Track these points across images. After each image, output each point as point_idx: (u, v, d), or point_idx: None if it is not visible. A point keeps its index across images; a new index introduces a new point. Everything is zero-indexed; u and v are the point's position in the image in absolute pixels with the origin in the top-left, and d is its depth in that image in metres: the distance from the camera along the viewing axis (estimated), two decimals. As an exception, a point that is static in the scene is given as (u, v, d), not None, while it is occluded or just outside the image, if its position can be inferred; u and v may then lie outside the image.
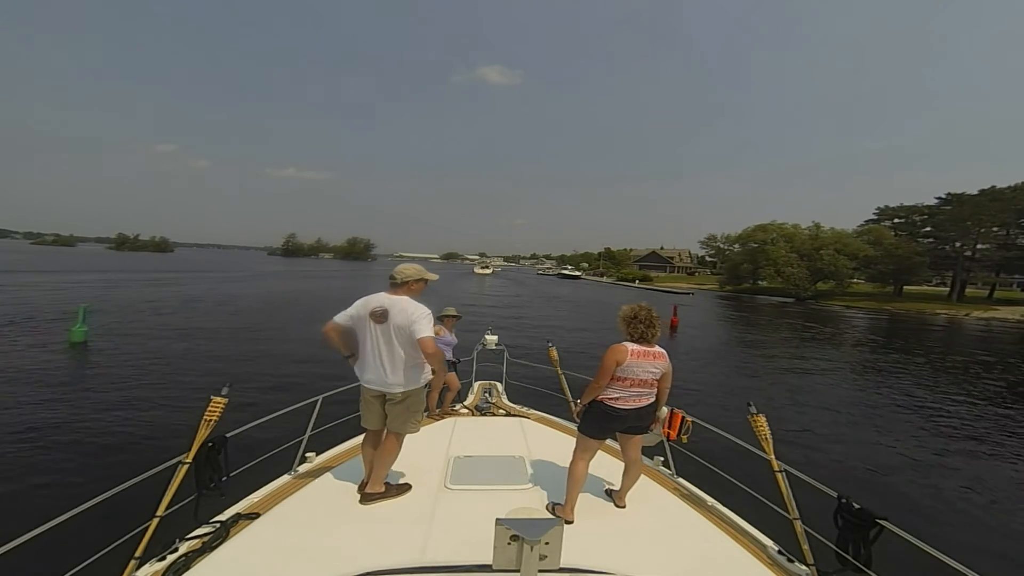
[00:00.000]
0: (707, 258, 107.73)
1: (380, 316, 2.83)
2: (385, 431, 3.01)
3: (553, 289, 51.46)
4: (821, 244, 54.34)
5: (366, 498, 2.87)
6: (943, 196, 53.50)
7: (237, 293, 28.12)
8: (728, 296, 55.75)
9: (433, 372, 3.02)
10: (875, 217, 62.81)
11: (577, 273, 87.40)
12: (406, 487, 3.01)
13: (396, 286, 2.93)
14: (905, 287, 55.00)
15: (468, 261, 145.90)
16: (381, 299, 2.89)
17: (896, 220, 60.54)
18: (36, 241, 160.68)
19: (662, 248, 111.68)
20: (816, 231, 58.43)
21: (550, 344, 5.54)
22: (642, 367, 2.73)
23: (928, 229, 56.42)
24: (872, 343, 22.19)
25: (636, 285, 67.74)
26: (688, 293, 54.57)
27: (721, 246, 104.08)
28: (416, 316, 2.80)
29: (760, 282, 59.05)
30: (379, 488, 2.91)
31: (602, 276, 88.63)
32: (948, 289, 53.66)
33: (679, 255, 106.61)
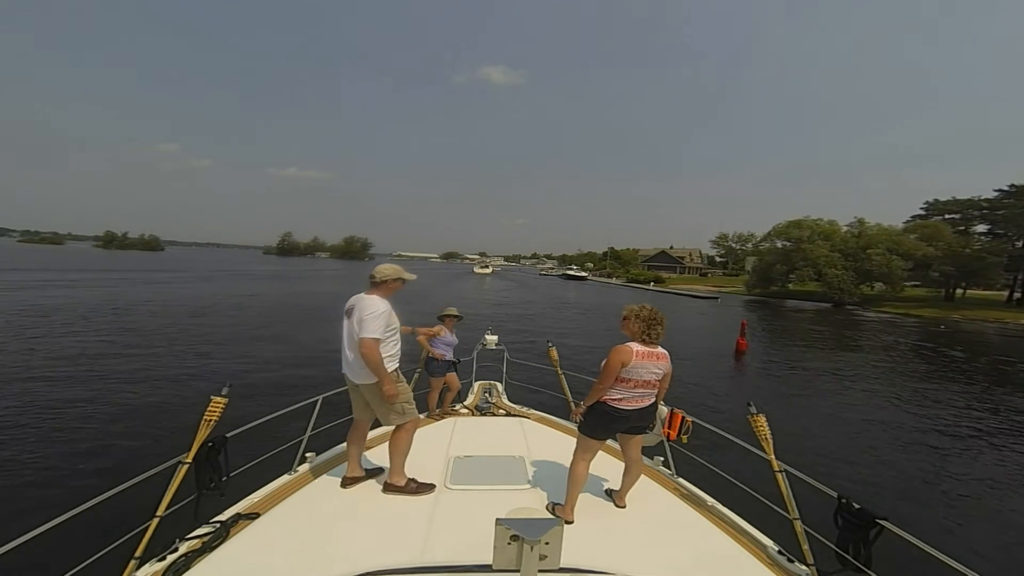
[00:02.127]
0: (717, 258, 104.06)
1: (348, 312, 3.02)
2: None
3: (563, 293, 45.97)
4: (869, 242, 47.27)
5: (387, 488, 2.99)
6: (1005, 188, 46.19)
7: (141, 299, 21.67)
8: (758, 300, 49.25)
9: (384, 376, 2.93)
10: (923, 212, 54.72)
11: (583, 274, 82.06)
12: (430, 487, 3.04)
13: (374, 285, 3.07)
14: (956, 291, 47.69)
15: (468, 260, 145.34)
16: (353, 298, 3.05)
17: (948, 216, 52.31)
18: (24, 240, 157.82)
19: (671, 248, 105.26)
20: (860, 227, 51.44)
21: (550, 344, 5.54)
22: (646, 368, 2.74)
23: (986, 226, 48.88)
24: (942, 359, 17.88)
25: (651, 288, 60.12)
26: (713, 297, 48.52)
27: (733, 245, 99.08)
28: (366, 315, 2.88)
29: (787, 284, 52.28)
30: (399, 481, 3.01)
31: (610, 277, 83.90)
32: (1006, 294, 47.00)
33: (689, 255, 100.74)
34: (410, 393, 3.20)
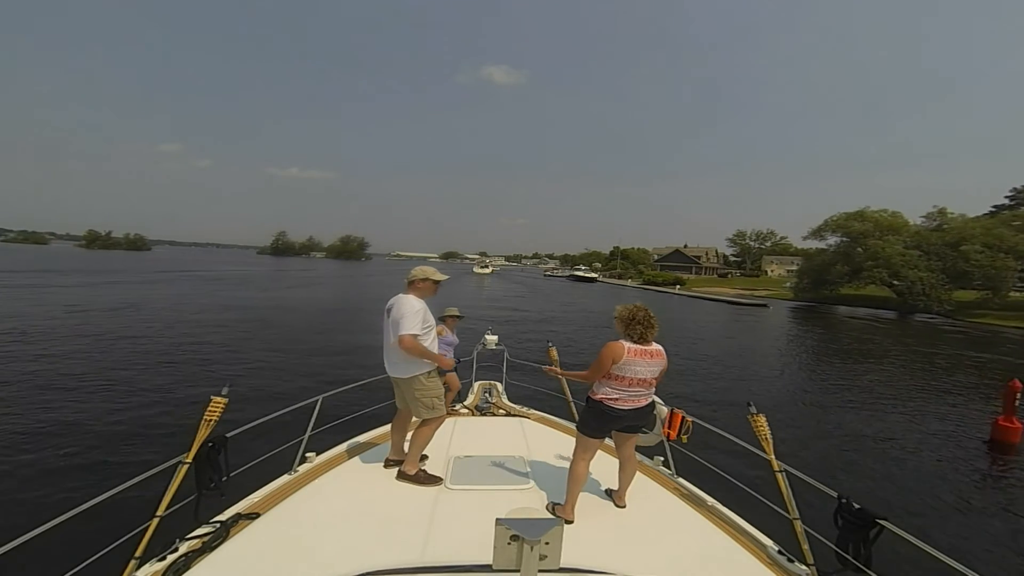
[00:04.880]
0: (730, 257, 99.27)
1: (387, 311, 3.25)
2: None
3: (584, 301, 36.37)
4: (961, 237, 38.43)
5: (400, 475, 3.14)
6: None
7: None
8: (809, 307, 41.64)
9: (442, 367, 3.36)
10: (1009, 202, 47.41)
11: (593, 275, 75.06)
12: (437, 479, 3.12)
13: (408, 284, 3.31)
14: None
15: (468, 260, 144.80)
16: (393, 298, 3.28)
17: None
18: (8, 240, 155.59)
19: (686, 246, 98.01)
20: (941, 219, 43.18)
21: (550, 344, 5.54)
22: (640, 365, 2.74)
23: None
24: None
25: (677, 292, 51.82)
26: (761, 304, 39.89)
27: (751, 244, 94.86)
28: (401, 314, 3.13)
29: (839, 289, 44.29)
30: (412, 469, 3.13)
31: (621, 278, 77.24)
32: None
33: (706, 254, 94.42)
34: (441, 390, 3.36)
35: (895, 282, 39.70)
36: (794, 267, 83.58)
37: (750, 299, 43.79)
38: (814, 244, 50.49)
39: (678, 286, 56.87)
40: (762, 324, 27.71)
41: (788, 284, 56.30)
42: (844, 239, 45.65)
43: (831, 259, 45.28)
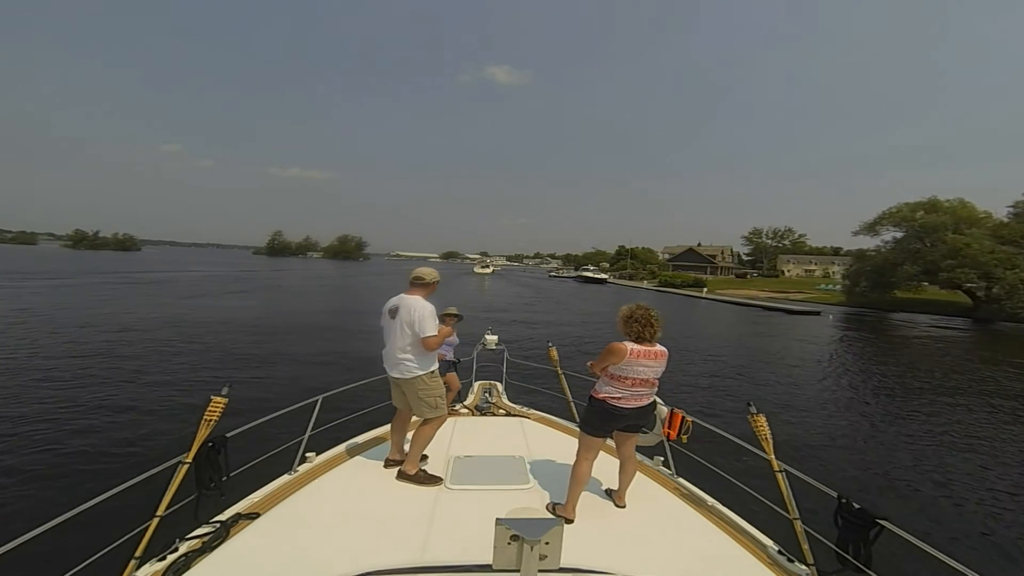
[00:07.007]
0: (744, 256, 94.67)
1: (392, 312, 3.25)
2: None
3: (603, 308, 30.26)
4: None
5: (400, 475, 3.15)
6: None
7: None
8: (865, 314, 35.65)
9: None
10: None
11: (603, 276, 70.87)
12: (437, 479, 3.14)
13: (421, 285, 3.33)
14: None
15: (469, 260, 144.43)
16: (396, 299, 3.29)
17: None
18: (4, 240, 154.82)
19: (699, 244, 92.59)
20: None
21: (550, 344, 5.54)
22: (643, 365, 2.75)
23: None
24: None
25: (704, 295, 46.57)
26: (812, 312, 33.95)
27: (767, 242, 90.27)
28: (420, 315, 3.16)
29: (894, 291, 38.13)
30: (412, 469, 3.15)
31: (632, 279, 72.65)
32: None
33: (721, 253, 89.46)
34: (443, 389, 3.38)
35: (984, 284, 32.97)
36: (812, 267, 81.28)
37: (798, 305, 37.76)
38: (849, 243, 45.63)
39: (704, 289, 51.30)
40: (828, 336, 22.84)
41: (825, 286, 52.31)
42: (909, 233, 38.27)
43: (895, 258, 37.41)
